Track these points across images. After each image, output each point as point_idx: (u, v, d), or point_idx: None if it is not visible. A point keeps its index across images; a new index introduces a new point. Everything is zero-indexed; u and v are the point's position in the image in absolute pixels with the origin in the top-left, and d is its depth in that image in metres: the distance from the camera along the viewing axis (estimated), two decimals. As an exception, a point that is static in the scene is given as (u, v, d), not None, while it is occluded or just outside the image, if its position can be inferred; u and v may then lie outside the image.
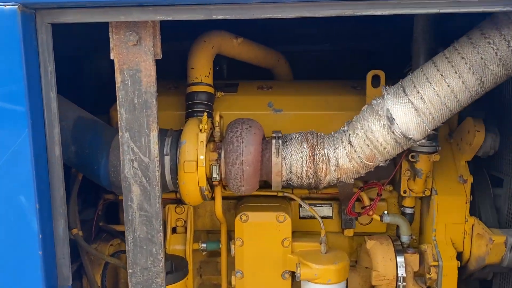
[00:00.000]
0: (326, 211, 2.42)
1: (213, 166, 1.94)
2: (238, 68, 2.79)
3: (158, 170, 1.66)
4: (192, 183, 1.88)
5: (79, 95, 2.24)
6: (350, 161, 1.88)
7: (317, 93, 2.44)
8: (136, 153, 1.65)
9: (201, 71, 2.29)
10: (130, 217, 1.69)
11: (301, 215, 2.42)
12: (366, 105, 1.90)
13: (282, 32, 3.00)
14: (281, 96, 2.43)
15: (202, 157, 1.87)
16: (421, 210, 2.42)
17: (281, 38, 3.02)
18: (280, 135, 1.96)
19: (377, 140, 1.82)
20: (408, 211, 2.37)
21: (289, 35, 3.07)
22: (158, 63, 1.63)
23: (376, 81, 2.26)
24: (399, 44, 2.65)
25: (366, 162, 1.87)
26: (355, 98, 2.35)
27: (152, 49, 1.60)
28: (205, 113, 1.98)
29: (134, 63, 1.60)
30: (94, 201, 2.54)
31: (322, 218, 2.26)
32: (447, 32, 1.97)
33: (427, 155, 2.17)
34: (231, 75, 2.97)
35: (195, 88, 2.27)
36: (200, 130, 1.90)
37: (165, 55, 1.64)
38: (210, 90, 2.30)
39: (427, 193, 2.28)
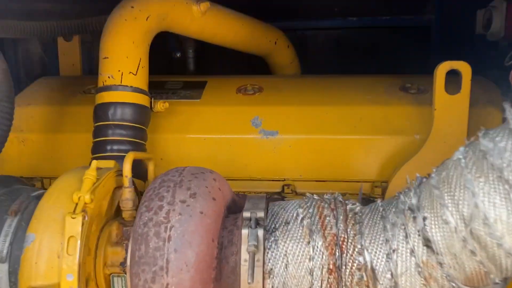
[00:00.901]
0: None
1: (114, 278, 0.87)
2: (218, 56, 1.90)
3: None
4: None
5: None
6: (425, 285, 0.79)
7: (340, 101, 1.37)
8: None
9: (121, 63, 1.22)
10: None
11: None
12: (461, 148, 0.80)
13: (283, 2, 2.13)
14: (275, 106, 1.40)
15: (71, 277, 0.78)
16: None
17: (283, 10, 2.16)
18: (260, 215, 0.85)
19: (498, 243, 0.72)
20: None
21: (296, 6, 2.21)
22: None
23: (452, 77, 1.25)
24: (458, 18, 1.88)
25: (463, 286, 0.78)
26: (411, 111, 1.37)
27: None
28: (94, 162, 0.88)
29: None
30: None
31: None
32: None
33: None
34: (204, 67, 1.91)
35: (109, 97, 1.19)
36: (76, 205, 0.81)
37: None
38: (142, 100, 1.22)
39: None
